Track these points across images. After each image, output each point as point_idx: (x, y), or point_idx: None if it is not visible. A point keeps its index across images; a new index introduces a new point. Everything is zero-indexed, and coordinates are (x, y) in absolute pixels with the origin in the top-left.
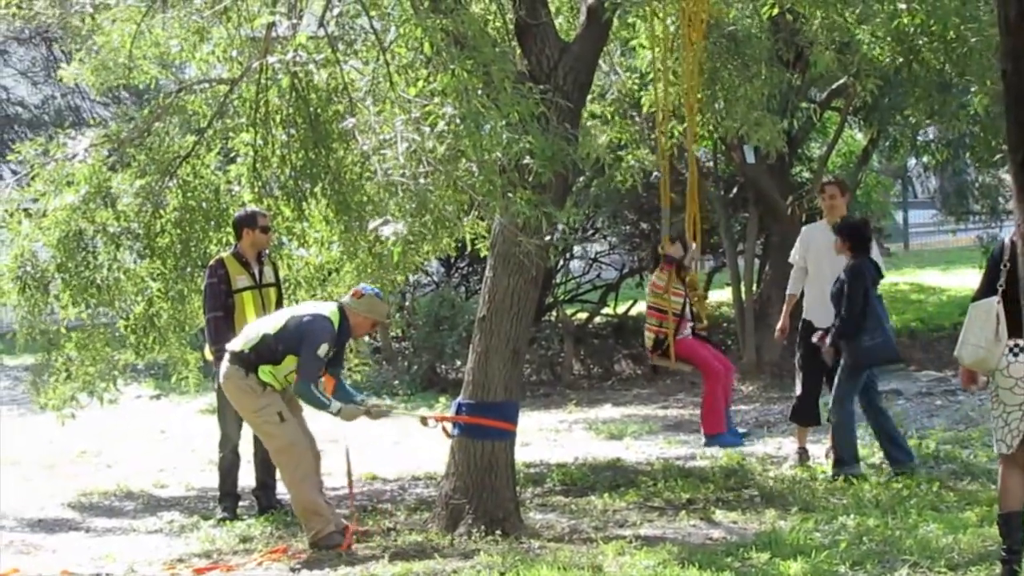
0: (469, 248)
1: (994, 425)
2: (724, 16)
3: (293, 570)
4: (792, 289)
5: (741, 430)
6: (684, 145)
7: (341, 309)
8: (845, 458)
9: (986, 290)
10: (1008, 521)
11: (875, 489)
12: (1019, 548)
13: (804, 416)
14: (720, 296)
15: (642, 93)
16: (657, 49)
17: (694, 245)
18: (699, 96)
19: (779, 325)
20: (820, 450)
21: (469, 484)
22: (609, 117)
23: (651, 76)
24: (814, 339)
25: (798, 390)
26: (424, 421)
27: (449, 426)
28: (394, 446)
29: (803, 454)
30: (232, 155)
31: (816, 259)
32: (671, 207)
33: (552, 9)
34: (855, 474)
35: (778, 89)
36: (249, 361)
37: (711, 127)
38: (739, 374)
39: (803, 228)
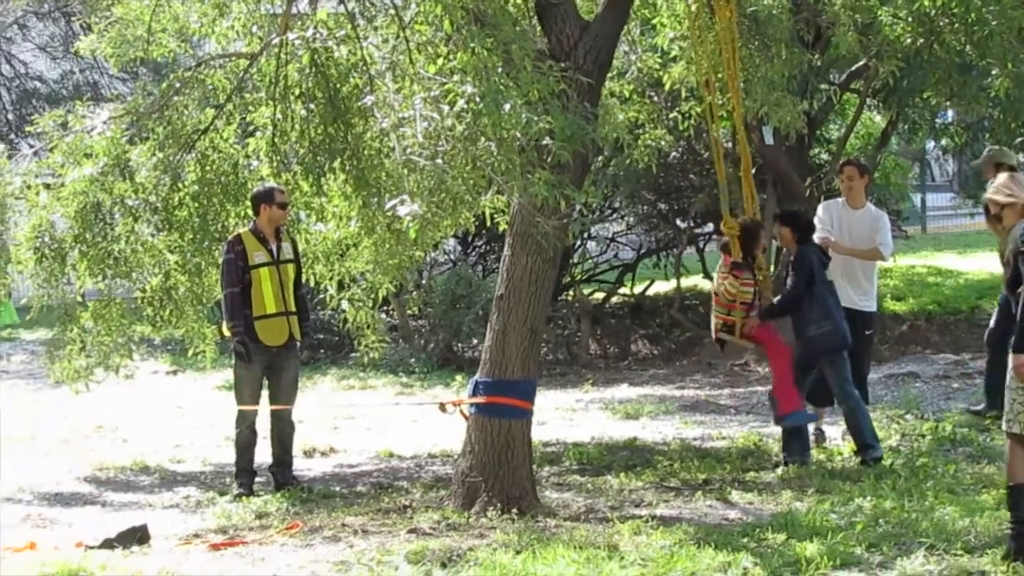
0: (488, 223)
1: (1017, 408)
2: None
3: (308, 546)
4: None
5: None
6: (704, 125)
7: None
8: (867, 443)
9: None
10: (1021, 491)
11: (892, 471)
12: None
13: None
14: None
15: (662, 72)
16: (680, 28)
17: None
18: (720, 75)
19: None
20: (837, 431)
21: (486, 462)
22: (627, 96)
23: (673, 54)
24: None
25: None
26: (443, 407)
27: (466, 408)
28: (411, 424)
29: (820, 435)
30: (251, 129)
31: (835, 238)
32: (690, 188)
33: None
34: (877, 456)
35: (798, 70)
36: None
37: (731, 107)
38: (756, 355)
39: (821, 204)
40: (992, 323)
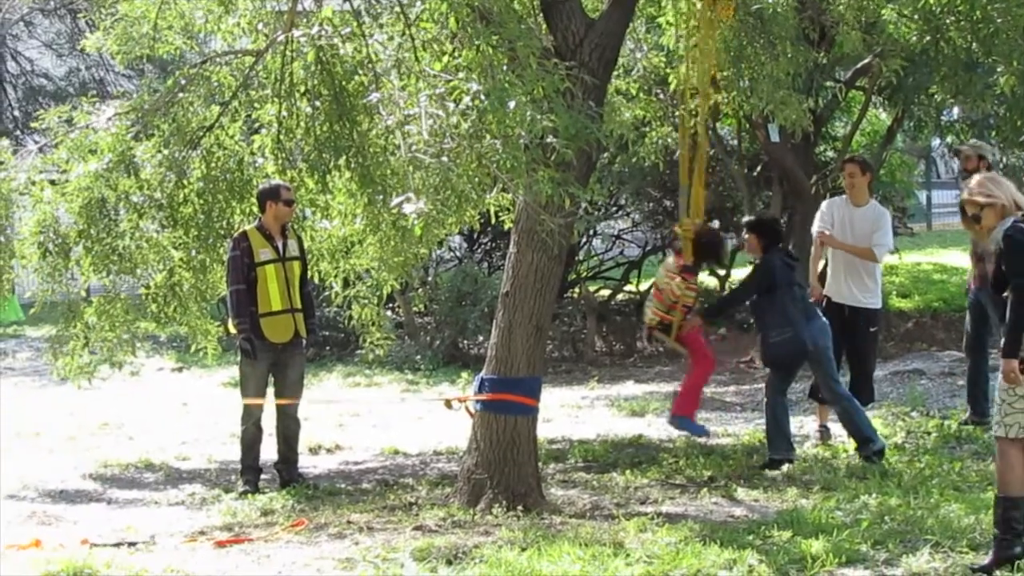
0: (493, 221)
1: (1007, 410)
2: None
3: (313, 543)
4: (818, 259)
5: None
6: (710, 123)
7: None
8: (867, 437)
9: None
10: (1013, 504)
11: (897, 468)
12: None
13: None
14: (743, 274)
15: (668, 70)
16: (683, 26)
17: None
18: (724, 74)
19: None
20: (842, 428)
21: (491, 459)
22: (634, 93)
23: (679, 53)
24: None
25: None
26: (448, 404)
27: (472, 405)
28: (417, 421)
29: (824, 432)
30: (256, 126)
31: (837, 235)
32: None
33: None
34: (879, 448)
35: (803, 68)
36: None
37: (736, 105)
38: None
39: (825, 201)
40: (967, 327)
